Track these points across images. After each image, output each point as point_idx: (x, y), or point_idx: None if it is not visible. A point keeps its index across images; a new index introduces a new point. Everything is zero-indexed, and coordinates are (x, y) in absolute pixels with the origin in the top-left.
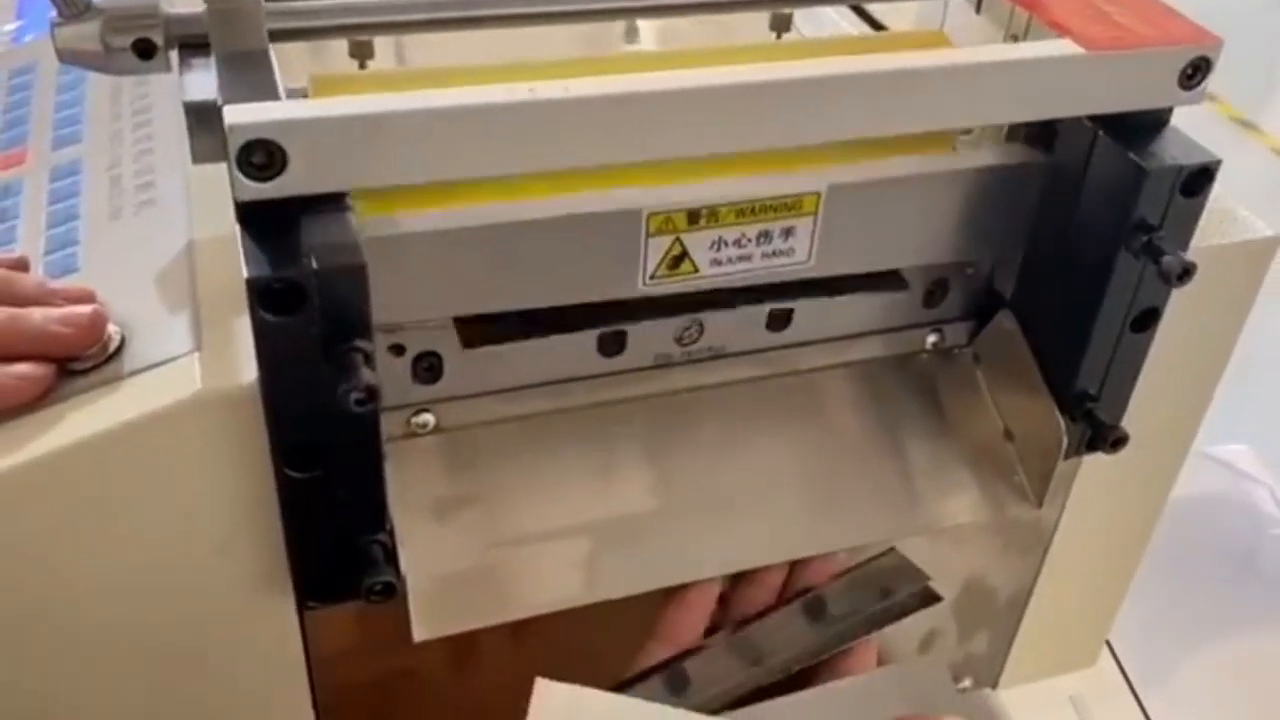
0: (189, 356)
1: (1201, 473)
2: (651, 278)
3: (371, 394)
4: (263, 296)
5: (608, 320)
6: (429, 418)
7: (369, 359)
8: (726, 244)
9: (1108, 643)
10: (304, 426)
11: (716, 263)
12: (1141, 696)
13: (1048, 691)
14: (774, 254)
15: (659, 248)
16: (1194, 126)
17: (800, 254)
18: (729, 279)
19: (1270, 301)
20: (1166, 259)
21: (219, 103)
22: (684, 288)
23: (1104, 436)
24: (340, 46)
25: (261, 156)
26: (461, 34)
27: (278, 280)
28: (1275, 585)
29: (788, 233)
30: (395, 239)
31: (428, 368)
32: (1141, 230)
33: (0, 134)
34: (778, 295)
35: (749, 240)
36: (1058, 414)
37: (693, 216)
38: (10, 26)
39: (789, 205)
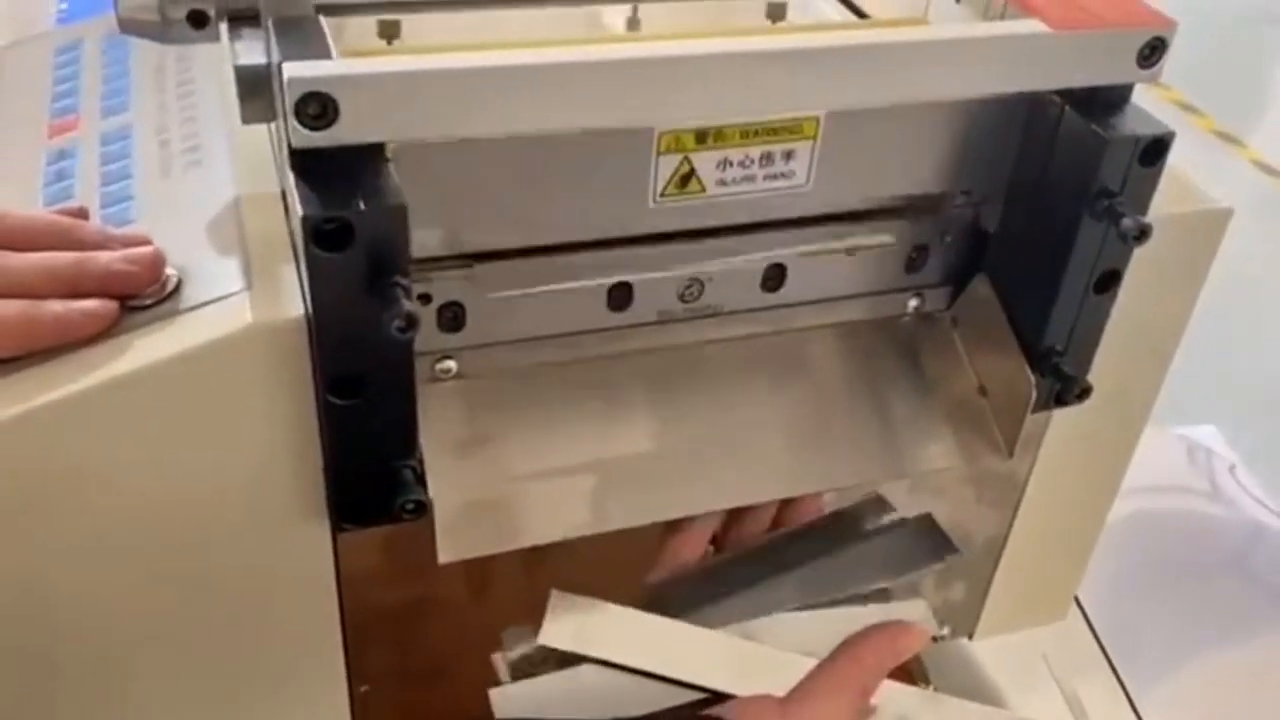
0: (240, 294)
1: (1168, 452)
2: (661, 195)
3: (411, 321)
4: (316, 234)
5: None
6: (451, 364)
7: (407, 292)
8: (731, 164)
9: (1078, 601)
10: (348, 356)
11: (722, 183)
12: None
13: (1019, 648)
14: (775, 176)
15: (669, 165)
16: (1178, 140)
17: (800, 176)
18: (733, 198)
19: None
20: (1125, 221)
21: (277, 61)
22: (692, 205)
23: (1070, 389)
24: (358, 30)
25: (316, 107)
26: (466, 24)
27: (329, 219)
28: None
29: (788, 155)
30: (418, 154)
31: (451, 317)
32: (1103, 196)
33: (52, 104)
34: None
35: (752, 161)
36: (1028, 369)
37: (700, 136)
38: (57, 8)
39: (790, 128)
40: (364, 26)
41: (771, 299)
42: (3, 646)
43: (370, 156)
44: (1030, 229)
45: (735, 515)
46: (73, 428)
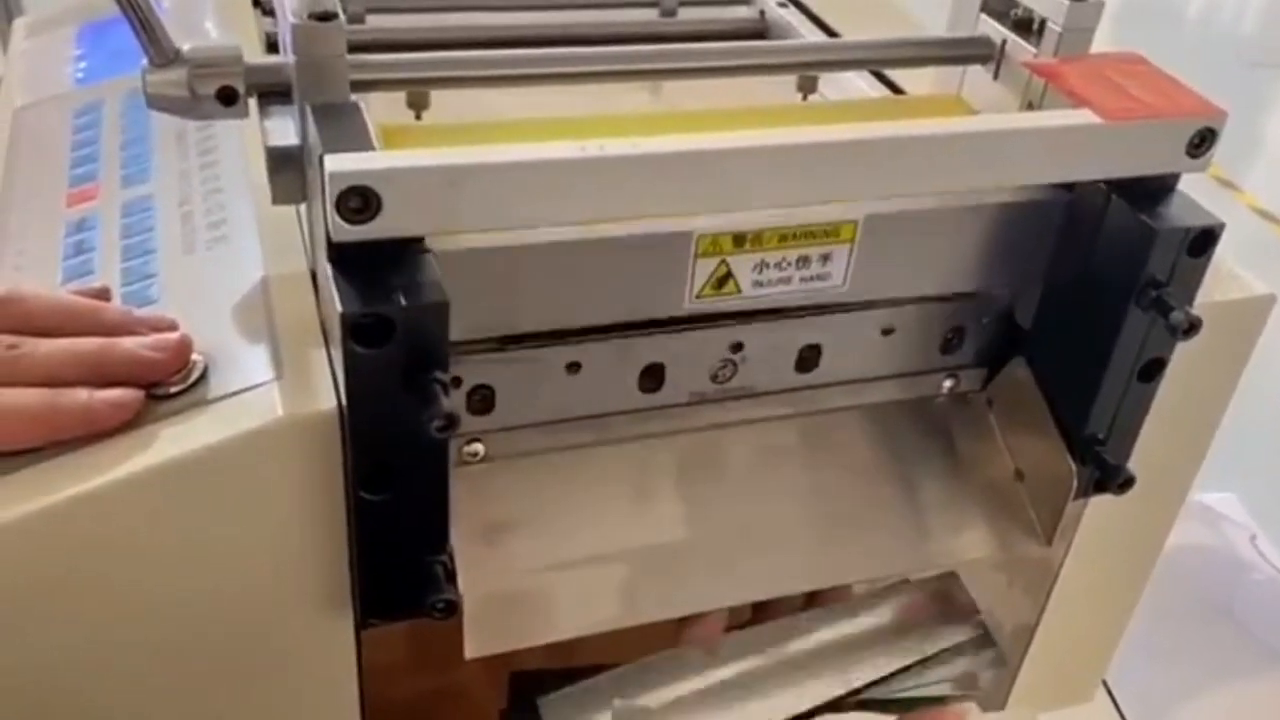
0: (270, 384)
1: (1190, 519)
2: (698, 296)
3: (451, 421)
4: (355, 330)
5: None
6: (479, 447)
7: (446, 389)
8: (768, 266)
9: (1105, 684)
10: (381, 451)
11: (758, 284)
12: None
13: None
14: (812, 278)
15: (706, 268)
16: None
17: (836, 278)
18: (769, 300)
19: (1259, 354)
20: (1174, 314)
21: (318, 151)
22: (727, 306)
23: (1112, 478)
24: (385, 101)
25: (358, 202)
26: (494, 94)
27: (368, 315)
28: (1251, 628)
29: (825, 258)
30: (460, 254)
31: (480, 399)
32: (1151, 286)
33: (71, 170)
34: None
35: (789, 264)
36: (1068, 456)
37: (739, 240)
38: (75, 67)
39: (828, 232)
40: (392, 97)
41: (805, 379)
42: None
43: (411, 250)
44: (1072, 316)
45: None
46: (97, 521)
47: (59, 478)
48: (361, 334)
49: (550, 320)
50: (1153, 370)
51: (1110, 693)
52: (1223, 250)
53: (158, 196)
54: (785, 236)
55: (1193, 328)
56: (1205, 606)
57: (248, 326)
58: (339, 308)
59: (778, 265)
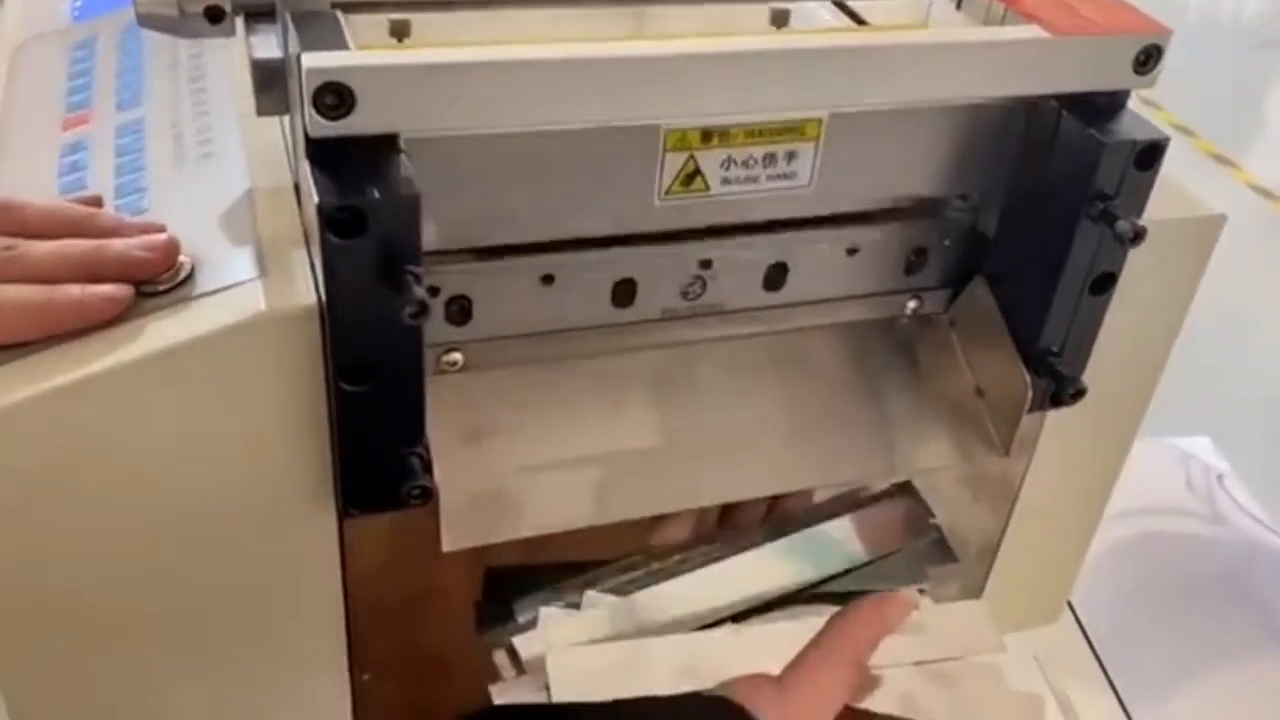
0: (253, 282)
1: (1161, 461)
2: (666, 192)
3: (422, 308)
4: (330, 221)
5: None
6: (458, 356)
7: (419, 280)
8: (735, 163)
9: (1072, 608)
10: (359, 343)
11: (726, 181)
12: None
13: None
14: (778, 176)
15: (675, 163)
16: (1172, 159)
17: (802, 177)
18: (736, 197)
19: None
20: (1120, 224)
21: (295, 52)
22: (696, 208)
23: (1065, 389)
24: (369, 27)
25: (333, 98)
26: (474, 23)
27: (343, 208)
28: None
29: (791, 156)
30: (433, 144)
31: (459, 310)
32: (1099, 199)
33: (67, 99)
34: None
35: (756, 161)
36: (1024, 370)
37: (706, 135)
38: (72, 5)
39: (793, 129)
40: (375, 24)
41: (773, 298)
42: (33, 611)
43: (384, 147)
44: (1028, 233)
45: (728, 506)
46: (88, 409)
47: (52, 367)
48: (338, 226)
49: (523, 231)
50: (1104, 283)
51: (1079, 619)
52: (1186, 185)
53: (149, 120)
54: (752, 133)
55: (1138, 236)
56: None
57: (233, 232)
58: (315, 199)
59: (745, 163)
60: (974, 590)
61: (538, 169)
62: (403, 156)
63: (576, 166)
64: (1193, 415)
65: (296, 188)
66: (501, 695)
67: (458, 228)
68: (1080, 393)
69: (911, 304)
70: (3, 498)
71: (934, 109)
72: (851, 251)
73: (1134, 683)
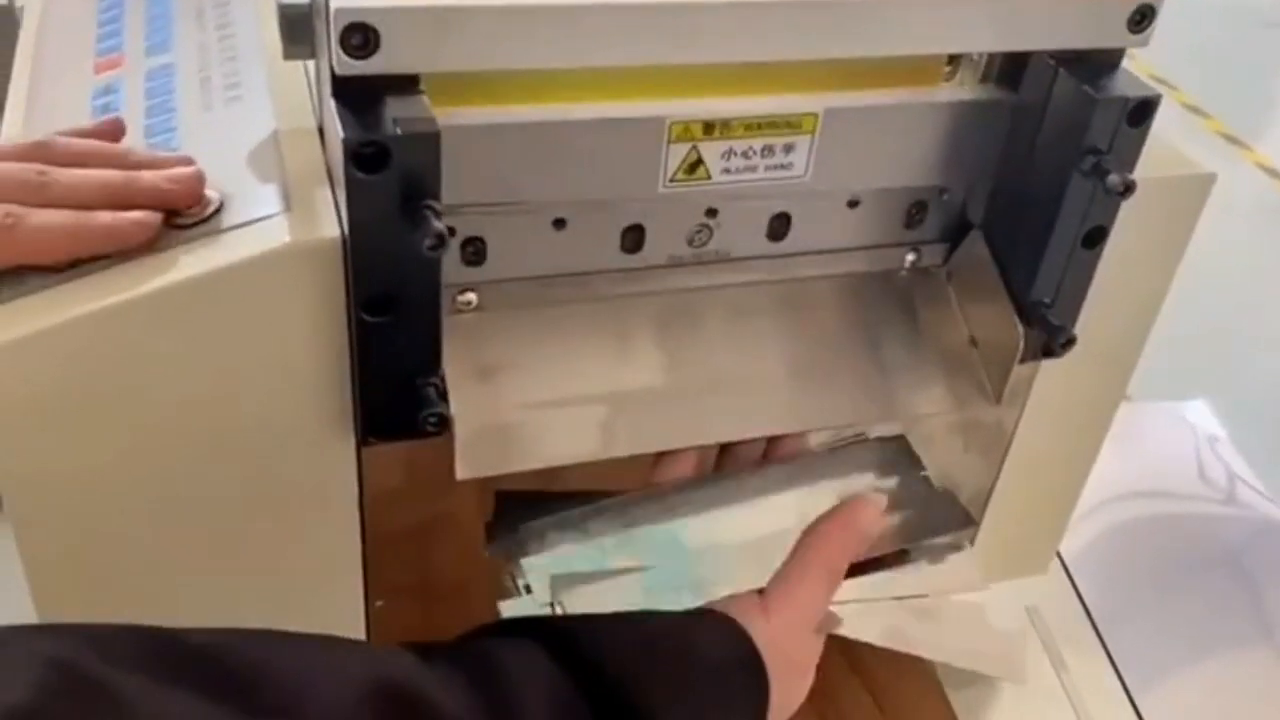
0: (279, 216)
1: (1157, 423)
2: (671, 180)
3: (441, 240)
4: (355, 156)
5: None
6: (472, 297)
7: (437, 214)
8: (736, 154)
9: (1064, 564)
10: (380, 275)
11: (726, 171)
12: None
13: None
14: (776, 167)
15: (678, 154)
16: (1184, 139)
17: (799, 168)
18: (736, 186)
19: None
20: (1111, 178)
21: None
22: (697, 190)
23: (1057, 339)
24: None
25: (359, 38)
26: None
27: (367, 143)
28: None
29: (789, 148)
30: (451, 129)
31: (473, 252)
32: (1091, 154)
33: (98, 44)
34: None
35: (755, 153)
36: (1017, 320)
37: (708, 127)
38: None
39: (791, 123)
40: None
41: (775, 248)
42: (72, 526)
43: (407, 87)
44: (1023, 188)
45: (727, 448)
46: (118, 335)
47: (86, 294)
48: (362, 161)
49: (536, 193)
50: (1095, 237)
51: (1070, 577)
52: (1231, 203)
53: (178, 65)
54: (751, 126)
55: (1128, 190)
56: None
57: (259, 170)
58: (341, 134)
59: (744, 154)
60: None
61: (548, 150)
62: (423, 96)
63: (587, 150)
64: (1198, 384)
65: (320, 130)
66: (509, 611)
67: (472, 187)
68: (1070, 342)
69: (910, 257)
70: (42, 413)
71: (926, 105)
72: (853, 204)
73: (1121, 638)
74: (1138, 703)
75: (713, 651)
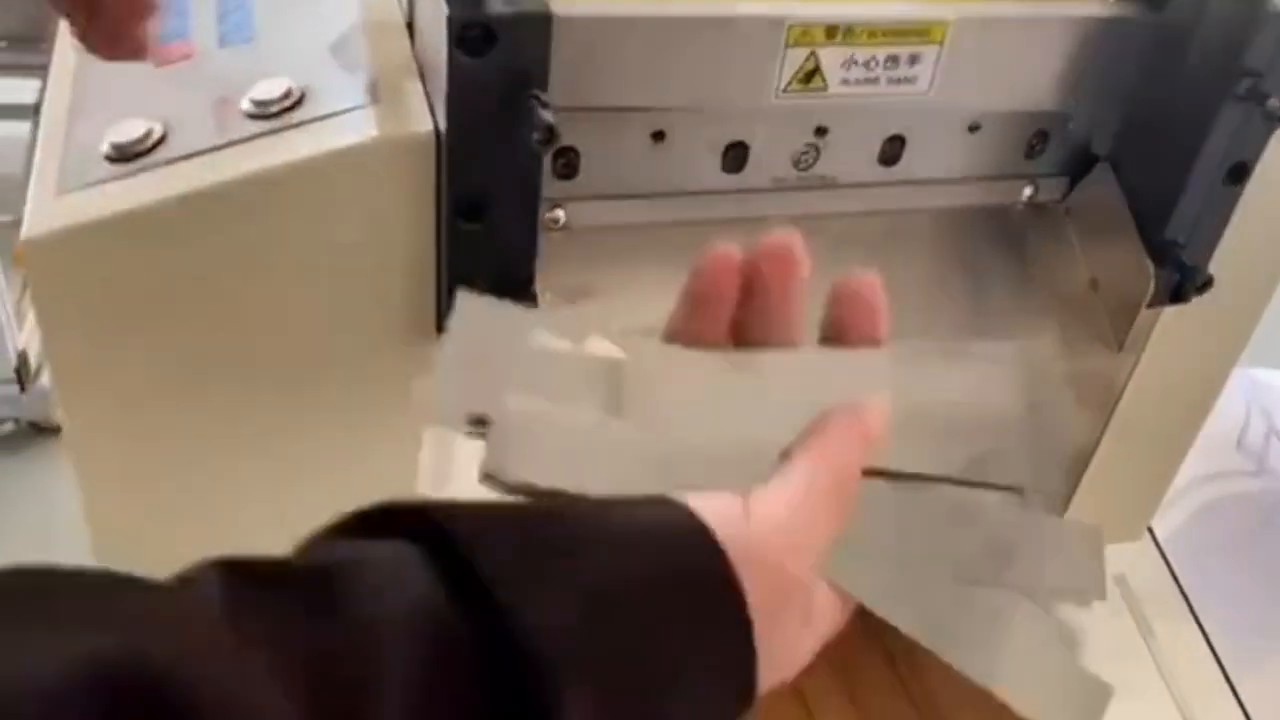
0: (366, 108)
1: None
2: (784, 89)
3: (551, 134)
4: (460, 38)
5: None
6: (561, 214)
7: (545, 106)
8: (857, 64)
9: (1154, 537)
10: (477, 175)
11: (845, 82)
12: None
13: None
14: (898, 80)
15: (795, 59)
16: None
17: (922, 83)
18: (854, 100)
19: None
20: (1271, 101)
21: None
22: (811, 102)
23: (1191, 281)
24: None
25: None
26: None
27: (473, 23)
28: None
29: (914, 59)
30: (560, 20)
31: (565, 164)
32: (1248, 76)
33: None
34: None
35: (877, 63)
36: (1148, 260)
37: (830, 31)
38: None
39: (919, 31)
40: None
41: (885, 174)
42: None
43: None
44: (1162, 117)
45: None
46: (197, 223)
47: (165, 181)
48: (467, 43)
49: (639, 98)
50: (1239, 173)
51: (1161, 549)
52: None
53: None
54: (875, 33)
55: None
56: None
57: (344, 62)
58: (446, 11)
59: (866, 64)
60: (1059, 499)
61: (656, 57)
62: None
63: (695, 57)
64: None
65: (409, 24)
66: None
67: (574, 90)
68: (1207, 284)
69: (1027, 190)
70: (116, 304)
71: (1063, 19)
72: (973, 129)
73: (1210, 606)
74: (1229, 671)
75: (649, 549)
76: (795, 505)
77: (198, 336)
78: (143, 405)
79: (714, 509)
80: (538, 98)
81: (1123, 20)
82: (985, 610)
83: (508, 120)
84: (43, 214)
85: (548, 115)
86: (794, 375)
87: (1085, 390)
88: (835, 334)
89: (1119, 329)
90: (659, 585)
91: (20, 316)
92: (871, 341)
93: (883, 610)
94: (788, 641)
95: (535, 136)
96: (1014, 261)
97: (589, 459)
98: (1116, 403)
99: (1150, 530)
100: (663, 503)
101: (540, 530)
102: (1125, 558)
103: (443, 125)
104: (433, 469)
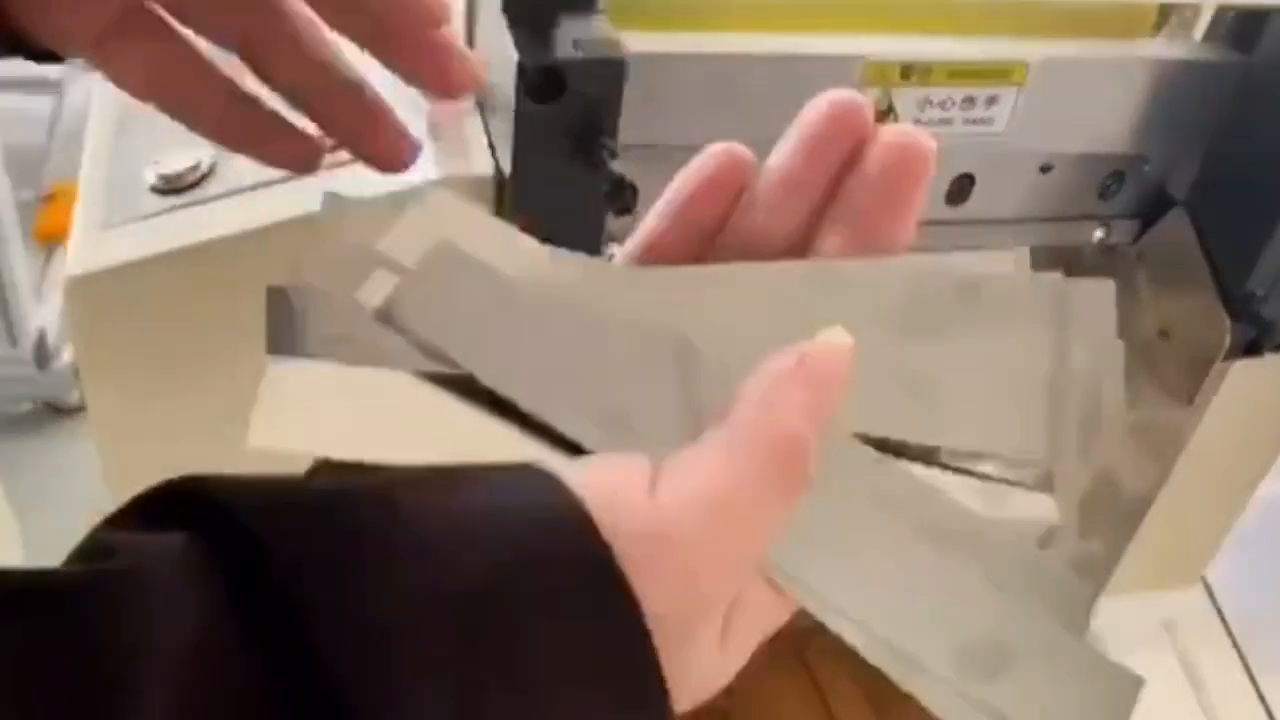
0: (426, 146)
1: None
2: None
3: (618, 187)
4: (529, 84)
5: None
6: (616, 250)
7: (614, 154)
8: (932, 104)
9: (1205, 585)
10: (540, 222)
11: (918, 122)
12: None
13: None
14: (974, 121)
15: (868, 99)
16: None
17: (998, 124)
18: None
19: None
20: None
21: None
22: None
23: (1270, 336)
24: None
25: None
26: None
27: (543, 68)
28: None
29: (991, 100)
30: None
31: (623, 201)
32: None
33: None
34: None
35: (954, 103)
36: (1223, 311)
37: (906, 71)
38: None
39: (1000, 72)
40: None
41: (952, 213)
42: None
43: (584, 3)
44: (1245, 162)
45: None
46: (255, 259)
47: (217, 216)
48: (536, 89)
49: (705, 136)
50: None
51: (1209, 588)
52: None
53: None
54: (955, 73)
55: None
56: None
57: (398, 94)
58: (514, 56)
59: (941, 104)
60: (1120, 544)
61: (724, 94)
62: (604, 16)
63: (764, 94)
64: None
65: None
66: None
67: (635, 129)
68: None
69: (1098, 232)
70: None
71: (1148, 61)
72: (1045, 169)
73: (1262, 656)
74: (1277, 718)
75: (502, 544)
76: (717, 480)
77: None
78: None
79: (602, 485)
80: (607, 147)
81: (1210, 63)
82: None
83: (574, 166)
84: (88, 250)
85: (617, 167)
86: (776, 289)
87: (1148, 442)
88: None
89: (1189, 382)
90: (515, 595)
91: (40, 296)
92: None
93: (843, 627)
94: (704, 659)
95: (604, 189)
96: None
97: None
98: (1179, 452)
99: (1204, 579)
100: (526, 475)
101: (351, 521)
102: (1177, 603)
103: (504, 166)
104: None
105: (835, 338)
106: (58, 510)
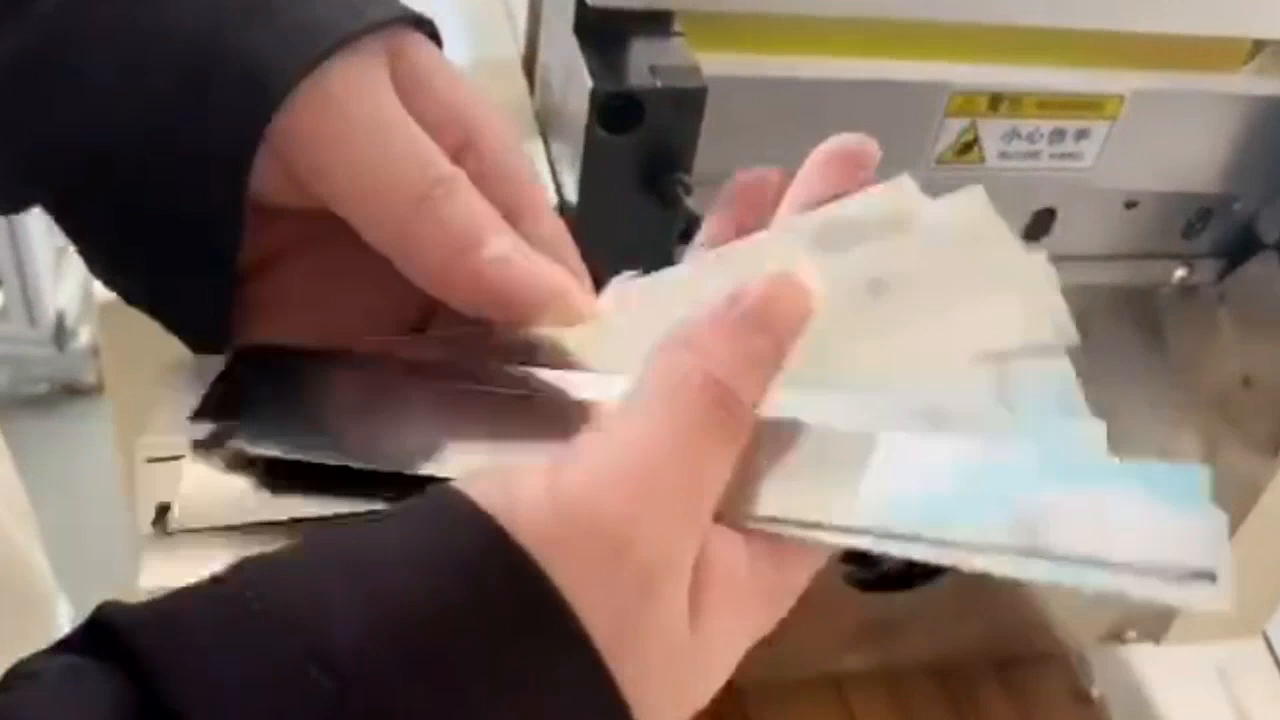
0: None
1: None
2: (937, 161)
3: (693, 223)
4: (603, 112)
5: None
6: None
7: (688, 190)
8: (1020, 136)
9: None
10: (607, 250)
11: (1004, 155)
12: None
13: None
14: (1062, 155)
15: (952, 130)
16: None
17: (1087, 159)
18: (1012, 174)
19: None
20: None
21: None
22: (968, 175)
23: None
24: None
25: None
26: None
27: (619, 95)
28: None
29: (1081, 134)
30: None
31: (687, 229)
32: None
33: None
34: None
35: (1041, 136)
36: None
37: (994, 101)
38: None
39: (1091, 104)
40: None
41: (1031, 248)
42: None
43: (660, 26)
44: None
45: None
46: None
47: None
48: (610, 117)
49: (778, 163)
50: None
51: (1267, 638)
52: None
53: None
54: (1045, 104)
55: None
56: None
57: None
58: (589, 83)
59: (1029, 137)
60: None
61: (803, 121)
62: (683, 40)
63: (845, 122)
64: None
65: (526, 61)
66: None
67: (708, 157)
68: None
69: (1180, 272)
70: None
71: (1246, 97)
72: (1130, 205)
73: None
74: None
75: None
76: (624, 442)
77: None
78: None
79: (508, 480)
80: (682, 182)
81: None
82: None
83: (645, 199)
84: None
85: (693, 204)
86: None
87: (1222, 490)
88: None
89: (1273, 431)
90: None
91: (59, 275)
92: None
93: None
94: (676, 649)
95: (679, 226)
96: (1157, 349)
97: None
98: (1256, 502)
99: (1264, 633)
100: (422, 502)
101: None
102: (1235, 654)
103: (570, 195)
104: None
105: (782, 278)
106: (73, 491)
